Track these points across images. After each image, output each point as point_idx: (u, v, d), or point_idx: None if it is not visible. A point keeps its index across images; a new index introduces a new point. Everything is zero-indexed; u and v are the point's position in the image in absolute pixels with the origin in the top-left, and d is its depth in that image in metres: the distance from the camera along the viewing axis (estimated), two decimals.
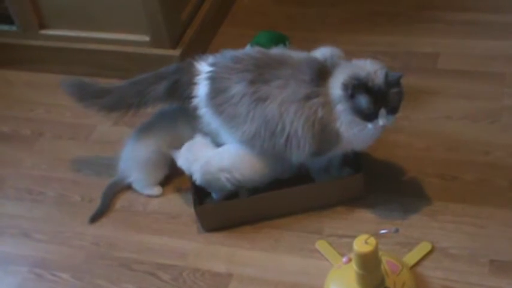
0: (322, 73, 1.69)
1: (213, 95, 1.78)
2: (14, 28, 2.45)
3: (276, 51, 1.82)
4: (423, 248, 1.70)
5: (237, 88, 1.74)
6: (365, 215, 1.81)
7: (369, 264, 1.51)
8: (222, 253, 1.79)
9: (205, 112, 1.81)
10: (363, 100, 1.61)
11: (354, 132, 1.67)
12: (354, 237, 1.50)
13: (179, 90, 1.85)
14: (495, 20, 2.35)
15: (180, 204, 1.93)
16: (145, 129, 1.97)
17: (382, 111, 1.61)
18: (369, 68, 1.63)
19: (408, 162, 1.92)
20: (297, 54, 1.77)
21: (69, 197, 2.02)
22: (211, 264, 1.77)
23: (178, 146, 1.86)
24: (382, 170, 1.91)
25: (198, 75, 1.82)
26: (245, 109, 1.73)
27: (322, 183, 1.83)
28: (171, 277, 1.76)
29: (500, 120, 2.00)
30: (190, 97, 1.83)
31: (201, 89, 1.80)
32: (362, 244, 1.48)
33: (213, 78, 1.79)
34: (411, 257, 1.69)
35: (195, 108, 1.83)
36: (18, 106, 2.38)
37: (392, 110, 1.63)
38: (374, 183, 1.86)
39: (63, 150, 2.18)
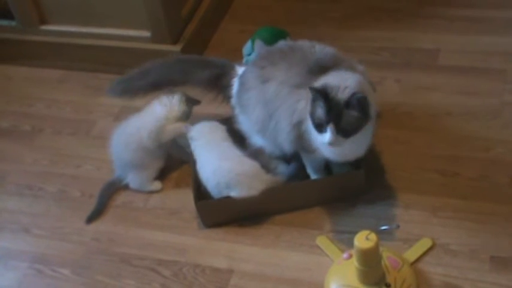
0: (322, 70, 1.67)
1: (239, 90, 1.85)
2: (14, 23, 2.45)
3: (304, 42, 1.80)
4: (424, 244, 1.70)
5: (252, 74, 1.80)
6: (366, 211, 1.81)
7: (369, 260, 1.52)
8: (223, 249, 1.79)
9: (237, 112, 1.88)
10: (319, 107, 1.58)
11: (316, 138, 1.64)
12: (354, 233, 1.51)
13: (217, 87, 1.93)
14: (496, 16, 2.34)
15: (180, 200, 1.93)
16: (121, 131, 1.96)
17: (332, 127, 1.56)
18: (348, 83, 1.58)
19: (409, 158, 1.92)
20: (320, 46, 1.76)
21: (69, 192, 2.02)
22: (212, 260, 1.77)
23: (161, 140, 1.92)
24: (382, 166, 1.91)
25: (234, 77, 1.90)
26: (254, 93, 1.78)
27: (323, 179, 1.83)
28: (172, 273, 1.76)
29: (501, 116, 1.99)
30: (228, 97, 1.91)
31: (234, 88, 1.88)
32: (363, 240, 1.48)
33: (241, 76, 1.86)
34: (412, 253, 1.69)
35: (233, 109, 1.90)
36: (18, 102, 2.38)
37: (343, 131, 1.57)
38: (375, 179, 1.86)
39: (63, 145, 2.18)
